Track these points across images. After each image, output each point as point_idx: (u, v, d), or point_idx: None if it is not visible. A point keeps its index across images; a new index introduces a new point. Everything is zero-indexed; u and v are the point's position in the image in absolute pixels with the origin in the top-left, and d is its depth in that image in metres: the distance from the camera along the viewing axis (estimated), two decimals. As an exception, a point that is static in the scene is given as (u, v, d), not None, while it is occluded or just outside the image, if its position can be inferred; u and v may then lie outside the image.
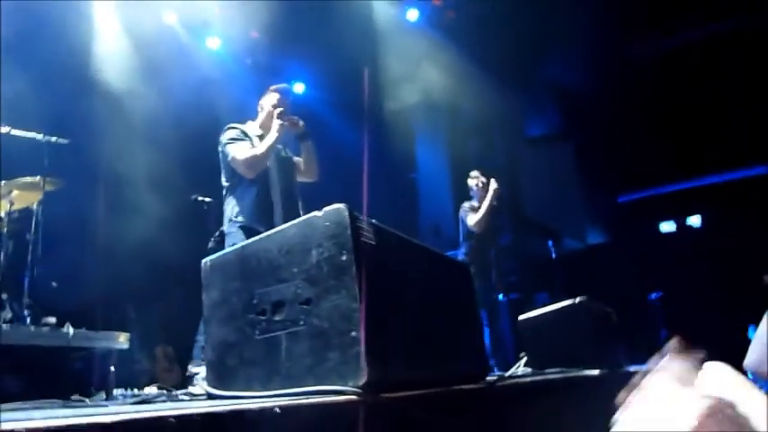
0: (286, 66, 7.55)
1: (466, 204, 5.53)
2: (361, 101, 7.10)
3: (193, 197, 4.08)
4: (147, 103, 5.63)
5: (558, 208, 7.86)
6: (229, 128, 3.52)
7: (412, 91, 7.55)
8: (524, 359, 3.23)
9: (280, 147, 3.64)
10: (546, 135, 8.22)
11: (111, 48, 5.75)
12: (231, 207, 3.45)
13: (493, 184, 5.40)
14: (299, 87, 8.01)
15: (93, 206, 5.22)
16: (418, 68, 7.44)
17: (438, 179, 8.50)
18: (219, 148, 3.50)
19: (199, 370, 3.35)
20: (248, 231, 3.32)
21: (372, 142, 7.72)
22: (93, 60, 5.59)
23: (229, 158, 3.39)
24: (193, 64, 6.39)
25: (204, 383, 1.77)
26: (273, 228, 3.33)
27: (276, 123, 3.46)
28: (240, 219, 3.40)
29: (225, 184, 3.52)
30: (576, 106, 7.70)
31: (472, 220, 5.30)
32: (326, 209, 1.61)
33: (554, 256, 6.63)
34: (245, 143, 3.44)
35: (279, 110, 3.53)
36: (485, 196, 5.44)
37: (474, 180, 5.61)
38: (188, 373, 3.50)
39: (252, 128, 3.62)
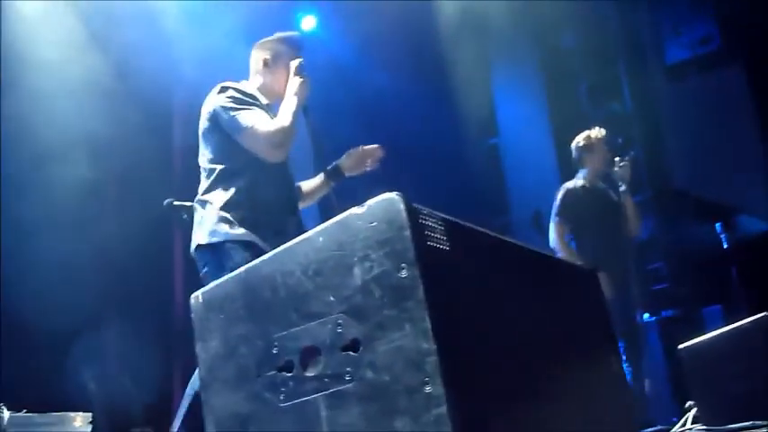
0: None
1: (569, 186, 5.49)
2: (404, 35, 7.08)
3: (167, 201, 4.14)
4: (90, 75, 5.75)
5: (726, 171, 7.66)
6: (229, 87, 3.52)
7: (483, 12, 7.47)
8: (693, 410, 3.18)
9: None
10: (697, 58, 8.01)
11: (38, 14, 5.89)
12: (223, 207, 3.40)
13: (621, 164, 5.37)
14: (308, 22, 8.07)
15: (22, 228, 5.36)
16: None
17: (532, 144, 8.44)
18: (213, 114, 3.48)
19: None
20: (255, 249, 3.29)
21: (425, 96, 7.72)
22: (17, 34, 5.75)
23: (242, 130, 3.36)
24: (150, 13, 6.48)
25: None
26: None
27: (296, 81, 3.53)
28: (240, 231, 3.39)
29: (214, 166, 3.49)
30: (741, 2, 7.46)
31: None
32: (370, 202, 1.61)
33: (726, 246, 6.48)
34: (262, 111, 3.48)
35: (298, 61, 3.60)
36: (597, 167, 5.41)
37: (577, 144, 5.57)
38: None
39: (251, 89, 3.67)
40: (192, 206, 3.77)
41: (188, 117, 3.57)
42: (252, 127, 3.35)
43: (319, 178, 3.88)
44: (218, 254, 3.34)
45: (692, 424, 3.06)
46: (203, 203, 3.49)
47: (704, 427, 2.98)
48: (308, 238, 1.72)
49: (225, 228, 3.37)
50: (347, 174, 3.84)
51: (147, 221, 5.28)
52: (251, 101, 3.48)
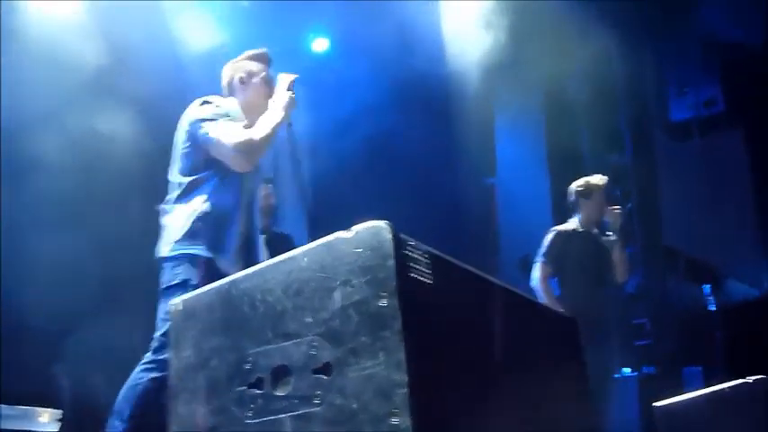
0: (298, 11, 7.64)
1: (560, 228, 5.52)
2: (412, 62, 7.12)
3: (160, 207, 4.14)
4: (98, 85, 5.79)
5: (719, 235, 7.69)
6: (206, 102, 3.62)
7: (490, 51, 7.52)
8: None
9: None
10: (699, 118, 8.08)
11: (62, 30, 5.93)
12: (185, 218, 3.47)
13: (612, 210, 5.38)
14: (320, 44, 8.11)
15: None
16: (500, 17, 7.42)
17: (529, 187, 8.46)
18: (188, 129, 3.58)
19: None
20: (207, 266, 3.35)
21: (429, 127, 7.73)
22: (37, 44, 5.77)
23: (213, 142, 3.47)
24: (163, 36, 6.51)
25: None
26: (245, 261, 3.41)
27: (286, 96, 3.60)
28: (197, 242, 3.42)
29: (182, 179, 3.57)
30: (747, 70, 7.53)
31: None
32: (358, 227, 1.61)
33: (713, 308, 6.49)
34: (235, 124, 3.55)
35: (292, 77, 3.66)
36: (592, 214, 5.43)
37: (575, 188, 5.58)
38: None
39: (231, 106, 3.75)
40: None
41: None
42: (219, 137, 3.45)
43: None
44: (172, 267, 3.39)
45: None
46: (168, 213, 3.56)
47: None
48: (293, 256, 1.71)
49: (183, 242, 3.42)
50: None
51: (144, 225, 5.29)
52: (224, 114, 3.57)
